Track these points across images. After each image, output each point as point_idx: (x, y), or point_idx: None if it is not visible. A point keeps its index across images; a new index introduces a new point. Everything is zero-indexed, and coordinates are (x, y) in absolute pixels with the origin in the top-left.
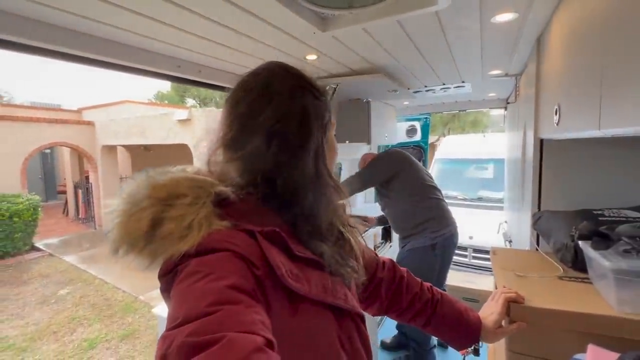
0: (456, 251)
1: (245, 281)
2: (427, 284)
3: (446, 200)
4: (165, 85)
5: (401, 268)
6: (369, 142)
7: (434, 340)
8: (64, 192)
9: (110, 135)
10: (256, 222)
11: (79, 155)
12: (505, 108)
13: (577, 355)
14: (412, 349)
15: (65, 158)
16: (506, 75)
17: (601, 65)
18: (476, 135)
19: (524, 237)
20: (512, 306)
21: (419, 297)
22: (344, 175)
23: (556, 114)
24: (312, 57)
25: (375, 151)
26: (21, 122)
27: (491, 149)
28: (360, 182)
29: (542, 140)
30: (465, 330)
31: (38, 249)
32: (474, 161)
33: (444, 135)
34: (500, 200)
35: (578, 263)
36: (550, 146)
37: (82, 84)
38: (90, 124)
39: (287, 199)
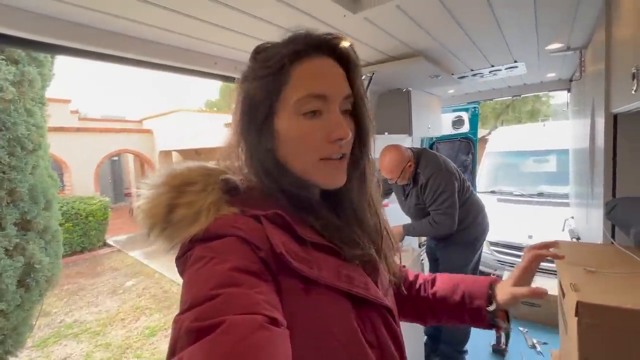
0: (513, 252)
1: (249, 263)
2: (413, 273)
3: (500, 197)
4: (214, 94)
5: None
6: (410, 133)
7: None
8: (130, 195)
9: (166, 142)
10: (263, 209)
11: (141, 161)
12: (569, 90)
13: None
14: (442, 353)
15: (129, 164)
16: (568, 49)
17: None
18: (534, 124)
19: (593, 232)
20: (581, 305)
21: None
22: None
23: (634, 78)
24: (344, 44)
25: (418, 145)
26: (94, 133)
27: (553, 139)
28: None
29: (615, 117)
30: (470, 288)
31: (109, 245)
32: (532, 153)
33: (496, 128)
34: (566, 196)
35: None
36: (626, 122)
37: (142, 96)
38: (149, 132)
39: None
